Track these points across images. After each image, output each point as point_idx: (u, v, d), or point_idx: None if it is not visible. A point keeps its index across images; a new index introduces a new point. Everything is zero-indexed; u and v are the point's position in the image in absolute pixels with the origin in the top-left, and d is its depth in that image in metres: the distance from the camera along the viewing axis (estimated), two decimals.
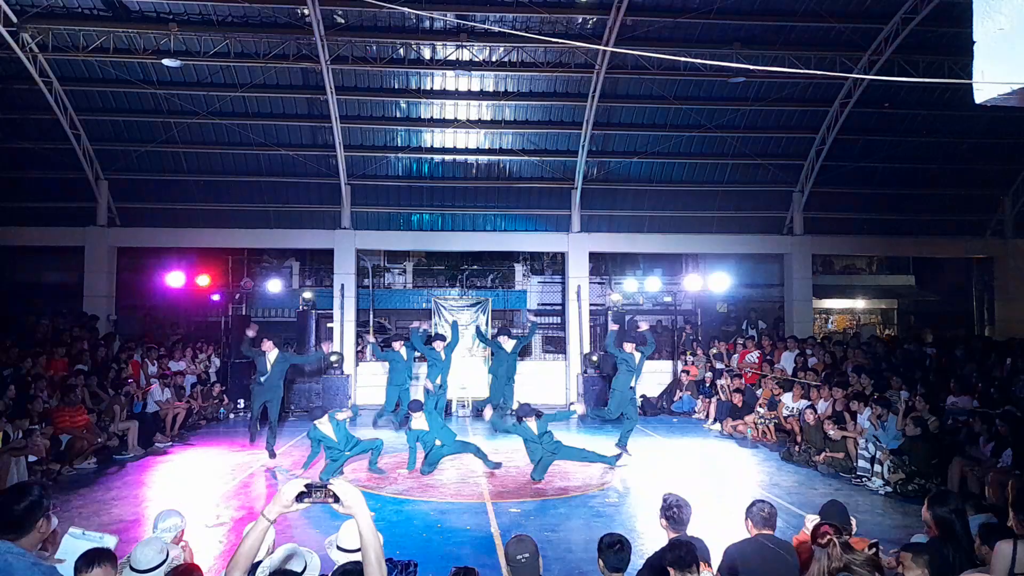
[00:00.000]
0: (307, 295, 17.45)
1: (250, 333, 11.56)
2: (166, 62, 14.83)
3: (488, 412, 11.19)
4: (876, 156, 18.39)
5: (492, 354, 13.53)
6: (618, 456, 10.89)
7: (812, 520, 4.84)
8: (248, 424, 12.10)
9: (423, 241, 19.43)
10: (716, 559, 4.69)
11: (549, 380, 17.98)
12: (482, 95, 16.79)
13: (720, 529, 7.75)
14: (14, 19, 13.91)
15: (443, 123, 17.33)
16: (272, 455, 11.31)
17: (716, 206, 18.80)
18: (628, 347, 11.66)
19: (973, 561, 4.42)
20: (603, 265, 23.56)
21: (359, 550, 2.68)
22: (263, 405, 11.62)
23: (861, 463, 10.36)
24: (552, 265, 23.81)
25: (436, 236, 18.85)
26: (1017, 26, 2.39)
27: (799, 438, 12.09)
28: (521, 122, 17.44)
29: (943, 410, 11.10)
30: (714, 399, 15.47)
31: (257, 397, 11.64)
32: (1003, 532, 4.38)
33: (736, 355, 16.80)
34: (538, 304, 24.16)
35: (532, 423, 10.16)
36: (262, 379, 11.39)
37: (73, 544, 4.15)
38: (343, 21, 14.82)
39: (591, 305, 18.99)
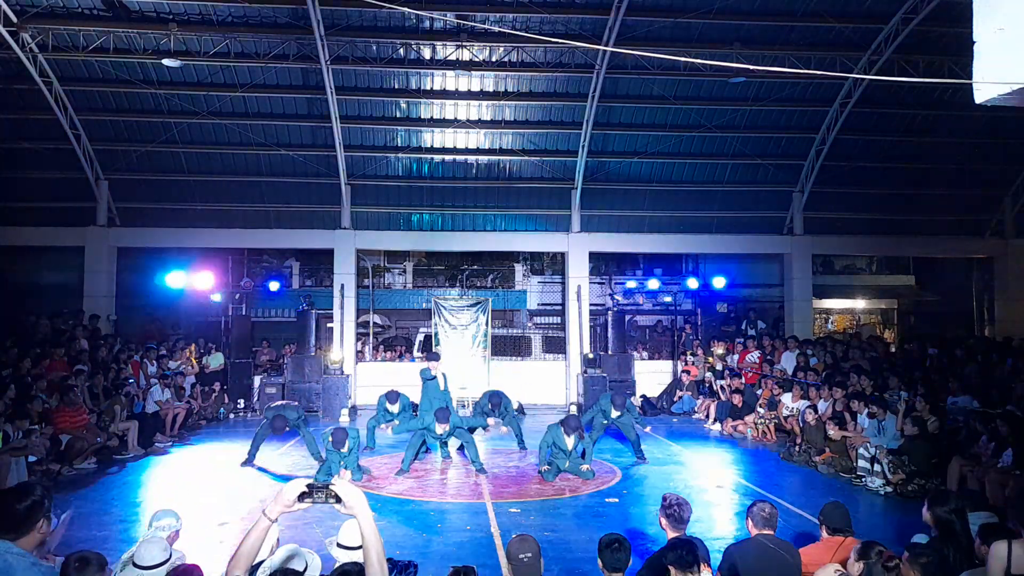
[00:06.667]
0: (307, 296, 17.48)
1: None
2: (166, 62, 14.82)
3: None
4: (876, 156, 18.38)
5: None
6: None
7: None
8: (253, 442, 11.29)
9: (423, 241, 19.43)
10: (716, 559, 4.69)
11: (549, 380, 17.98)
12: (482, 95, 16.79)
13: (720, 529, 7.77)
14: (14, 19, 13.90)
15: (443, 123, 17.33)
16: (247, 462, 11.06)
17: (716, 206, 18.80)
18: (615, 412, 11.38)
19: (973, 561, 4.43)
20: (603, 265, 23.57)
21: (360, 547, 2.68)
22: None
23: (861, 463, 10.35)
24: (552, 265, 23.81)
25: (436, 236, 18.85)
26: (1017, 26, 2.40)
27: (799, 438, 12.09)
28: (521, 122, 17.44)
29: (943, 410, 11.10)
30: (715, 400, 15.49)
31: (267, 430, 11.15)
32: (1003, 532, 4.38)
33: (736, 355, 16.80)
34: (538, 304, 24.17)
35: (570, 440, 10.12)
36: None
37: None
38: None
39: (591, 305, 18.99)
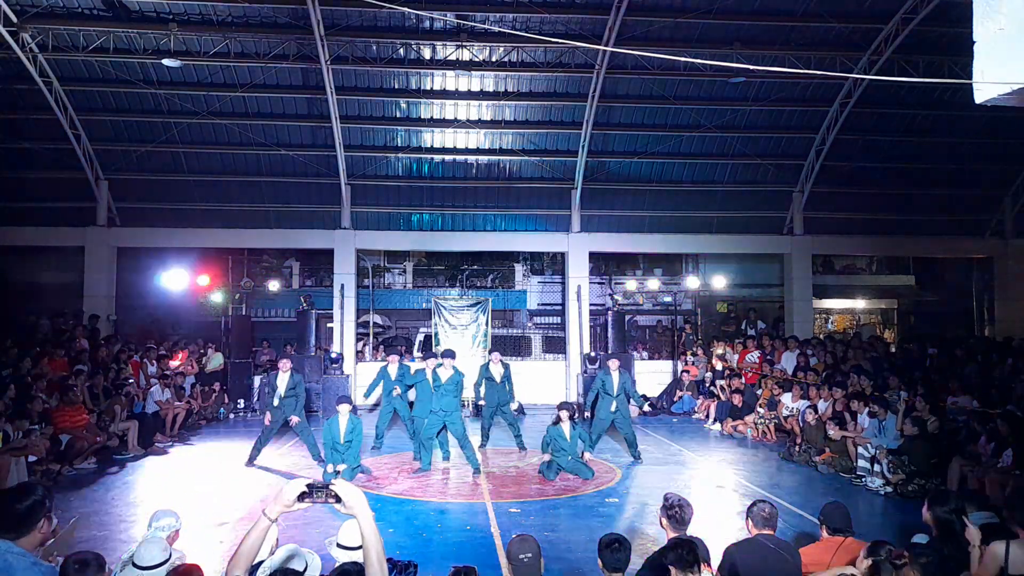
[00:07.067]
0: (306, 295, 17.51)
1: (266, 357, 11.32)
2: (166, 62, 14.83)
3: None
4: (876, 156, 18.39)
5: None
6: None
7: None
8: (256, 442, 11.21)
9: (423, 241, 19.43)
10: (716, 559, 4.69)
11: (549, 380, 17.97)
12: (482, 95, 16.80)
13: (720, 529, 7.76)
14: (14, 19, 13.91)
15: (443, 123, 17.34)
16: (249, 462, 10.98)
17: (716, 206, 18.80)
18: (613, 364, 11.57)
19: None
20: (603, 265, 23.58)
21: (360, 547, 2.67)
22: (276, 427, 11.13)
23: (861, 463, 10.36)
24: (552, 265, 23.82)
25: (436, 236, 18.86)
26: (1017, 26, 2.40)
27: (799, 438, 12.09)
28: (521, 122, 17.44)
29: (943, 410, 11.10)
30: (714, 400, 15.49)
31: (275, 420, 10.97)
32: (1003, 532, 4.38)
33: (736, 355, 16.80)
34: (538, 304, 24.17)
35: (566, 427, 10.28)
36: (275, 401, 10.93)
37: None
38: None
39: (591, 305, 18.99)
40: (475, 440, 11.56)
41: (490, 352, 13.30)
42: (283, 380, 10.99)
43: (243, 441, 12.45)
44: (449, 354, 10.93)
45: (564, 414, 10.40)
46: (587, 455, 10.63)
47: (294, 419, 10.89)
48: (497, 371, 12.52)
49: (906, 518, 8.01)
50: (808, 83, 16.67)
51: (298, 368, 12.52)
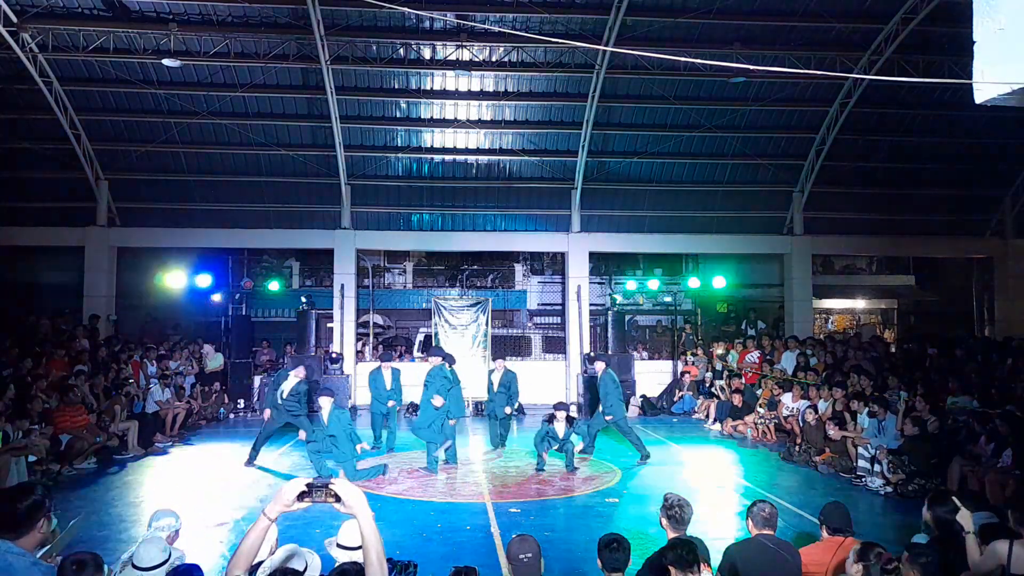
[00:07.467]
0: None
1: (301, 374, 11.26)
2: (166, 62, 14.82)
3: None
4: (876, 156, 18.39)
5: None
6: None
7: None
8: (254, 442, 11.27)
9: (423, 241, 19.43)
10: (716, 559, 4.69)
11: (549, 380, 17.96)
12: (482, 95, 16.79)
13: (720, 529, 7.76)
14: (14, 19, 13.89)
15: (443, 123, 17.33)
16: (249, 462, 11.03)
17: (716, 206, 18.79)
18: (599, 366, 11.66)
19: None
20: (603, 265, 23.57)
21: (359, 548, 2.67)
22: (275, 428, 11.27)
23: (861, 463, 10.36)
24: (552, 265, 23.82)
25: (436, 236, 18.86)
26: (1017, 26, 2.40)
27: (799, 438, 12.09)
28: (521, 122, 17.44)
29: (943, 410, 11.10)
30: (714, 400, 15.49)
31: (274, 419, 11.10)
32: (1003, 532, 4.38)
33: (736, 355, 16.80)
34: (538, 304, 24.17)
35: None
36: (279, 401, 11.01)
37: None
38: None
39: (591, 305, 18.99)
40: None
41: (494, 359, 13.35)
42: (290, 383, 11.01)
43: (243, 441, 12.44)
44: (436, 352, 11.10)
45: (560, 414, 10.48)
46: (579, 445, 11.05)
47: (302, 434, 10.92)
48: (496, 378, 12.64)
49: (906, 518, 8.00)
50: (808, 83, 16.66)
51: (309, 382, 12.08)
